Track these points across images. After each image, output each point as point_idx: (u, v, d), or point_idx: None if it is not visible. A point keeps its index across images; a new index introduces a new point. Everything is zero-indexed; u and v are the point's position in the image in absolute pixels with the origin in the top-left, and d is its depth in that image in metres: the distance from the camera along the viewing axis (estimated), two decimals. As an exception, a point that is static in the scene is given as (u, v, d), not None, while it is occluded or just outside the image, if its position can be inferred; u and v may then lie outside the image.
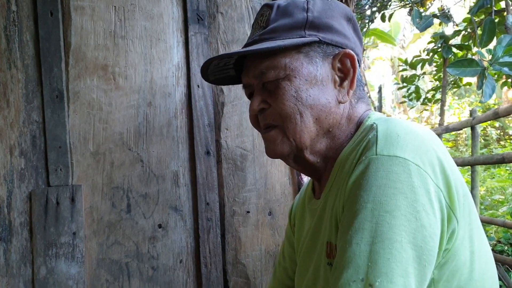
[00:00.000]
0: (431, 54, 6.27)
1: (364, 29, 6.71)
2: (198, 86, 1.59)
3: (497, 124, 12.65)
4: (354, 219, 0.76)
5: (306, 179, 1.70)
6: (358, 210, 0.76)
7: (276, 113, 0.96)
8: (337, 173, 0.93)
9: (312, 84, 0.94)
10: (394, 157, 0.77)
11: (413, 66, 6.64)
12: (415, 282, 0.72)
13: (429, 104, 7.63)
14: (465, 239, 0.82)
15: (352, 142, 0.93)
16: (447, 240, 0.79)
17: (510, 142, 11.71)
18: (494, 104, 12.10)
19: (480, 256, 0.85)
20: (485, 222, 4.74)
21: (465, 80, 6.82)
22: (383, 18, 6.06)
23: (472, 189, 4.80)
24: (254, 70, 0.98)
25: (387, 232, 0.72)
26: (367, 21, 6.49)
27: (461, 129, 5.66)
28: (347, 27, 1.01)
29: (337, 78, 0.97)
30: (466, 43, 5.42)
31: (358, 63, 1.00)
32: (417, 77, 6.99)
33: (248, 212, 1.65)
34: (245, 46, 1.01)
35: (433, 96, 7.41)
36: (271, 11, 0.98)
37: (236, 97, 1.65)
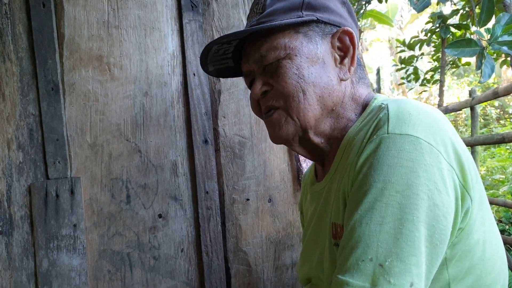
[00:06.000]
0: (429, 34, 6.21)
1: (361, 11, 6.65)
2: (194, 74, 1.58)
3: (496, 103, 12.62)
4: (364, 198, 0.76)
5: (305, 165, 1.70)
6: (368, 190, 0.76)
7: (279, 93, 0.94)
8: (343, 154, 0.92)
9: (313, 62, 0.93)
10: (406, 136, 0.76)
11: (411, 47, 6.59)
12: (426, 261, 0.72)
13: (428, 85, 7.60)
14: (478, 218, 0.81)
15: (360, 123, 0.92)
16: (461, 219, 0.78)
17: (510, 121, 11.70)
18: (494, 83, 12.05)
19: (490, 236, 0.86)
20: (486, 202, 4.75)
21: (464, 60, 6.78)
22: (380, -1, 6.00)
23: (473, 169, 4.79)
24: (254, 55, 0.97)
25: (398, 212, 0.72)
26: (364, 2, 6.43)
27: (460, 110, 5.64)
28: (342, 9, 1.00)
29: (337, 56, 0.97)
30: (465, 23, 5.37)
31: None
32: (416, 58, 6.95)
33: (248, 199, 1.65)
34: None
35: (432, 76, 7.37)
36: None
37: (232, 85, 1.64)
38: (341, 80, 0.96)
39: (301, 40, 0.94)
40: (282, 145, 1.05)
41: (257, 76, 0.99)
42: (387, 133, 0.78)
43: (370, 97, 0.99)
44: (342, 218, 0.88)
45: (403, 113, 0.80)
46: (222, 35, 1.63)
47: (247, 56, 1.00)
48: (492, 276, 0.85)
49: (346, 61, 0.97)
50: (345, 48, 0.97)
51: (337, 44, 0.97)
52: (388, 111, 0.83)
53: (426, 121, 0.78)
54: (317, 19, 0.94)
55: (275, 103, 0.96)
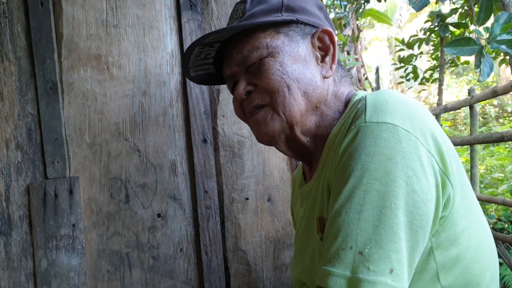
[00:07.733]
0: (428, 33, 6.21)
1: (360, 10, 6.65)
2: (193, 73, 1.58)
3: (495, 101, 12.63)
4: (343, 188, 0.77)
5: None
6: (347, 179, 0.77)
7: (263, 90, 0.96)
8: (329, 151, 0.93)
9: (296, 59, 0.96)
10: (383, 123, 0.77)
11: (410, 45, 6.58)
12: (407, 247, 0.72)
13: (427, 83, 7.60)
14: (462, 207, 0.82)
15: (342, 119, 0.93)
16: (443, 206, 0.79)
17: (509, 120, 11.71)
18: (493, 82, 12.06)
19: (476, 225, 0.86)
20: (485, 201, 4.74)
21: (463, 58, 6.77)
22: (379, -2, 5.99)
23: (472, 168, 4.80)
24: (236, 57, 0.99)
25: (376, 200, 0.73)
26: (363, 1, 6.43)
27: (459, 108, 5.63)
28: (320, 13, 1.04)
29: (318, 55, 1.00)
30: (463, 21, 5.36)
31: None
32: (415, 57, 6.95)
33: (247, 199, 1.64)
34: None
35: (431, 75, 7.37)
36: (245, 4, 1.00)
37: (231, 84, 1.64)
38: (324, 77, 0.99)
39: (283, 39, 0.96)
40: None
41: (240, 77, 1.00)
42: (364, 122, 0.79)
43: (351, 94, 1.02)
44: (327, 211, 0.89)
45: (380, 102, 0.81)
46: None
47: (229, 59, 1.02)
48: (480, 265, 0.86)
49: (327, 59, 1.00)
50: (325, 47, 1.00)
51: (317, 44, 1.00)
52: (366, 101, 0.84)
53: (403, 109, 0.79)
54: (297, 19, 0.97)
55: (260, 102, 0.98)
